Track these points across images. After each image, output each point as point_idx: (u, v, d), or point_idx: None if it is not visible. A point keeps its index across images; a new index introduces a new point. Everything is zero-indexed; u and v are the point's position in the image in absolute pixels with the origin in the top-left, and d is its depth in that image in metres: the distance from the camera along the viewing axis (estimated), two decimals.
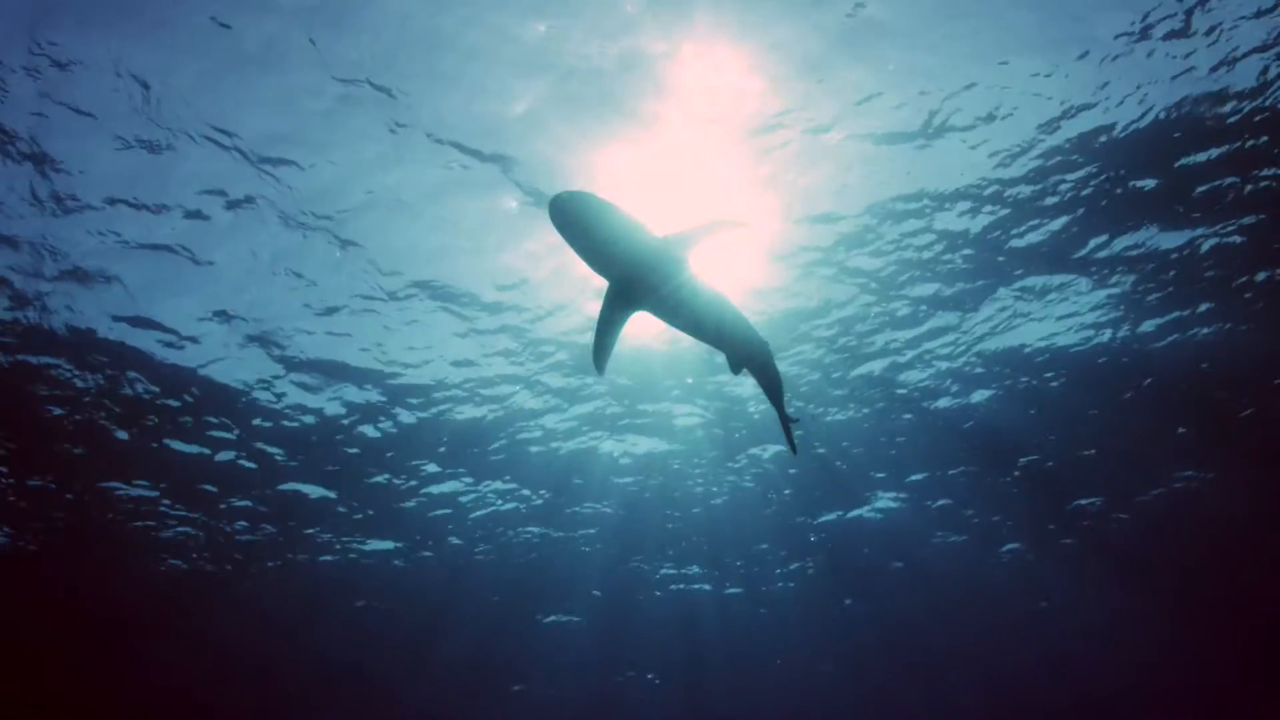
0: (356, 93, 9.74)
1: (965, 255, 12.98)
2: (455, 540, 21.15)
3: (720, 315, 6.42)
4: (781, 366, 15.03)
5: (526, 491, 19.24)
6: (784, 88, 10.04)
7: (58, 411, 14.71)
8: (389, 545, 21.13)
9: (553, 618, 27.70)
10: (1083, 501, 21.20)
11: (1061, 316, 14.46)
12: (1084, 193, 11.91)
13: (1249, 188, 11.84)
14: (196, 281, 12.19)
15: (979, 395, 16.50)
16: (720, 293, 6.36)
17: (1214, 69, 10.04)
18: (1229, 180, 11.75)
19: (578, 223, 5.41)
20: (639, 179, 10.93)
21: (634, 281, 5.84)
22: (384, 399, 15.29)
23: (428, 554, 21.72)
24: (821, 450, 18.35)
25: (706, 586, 25.97)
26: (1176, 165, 11.48)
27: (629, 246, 5.58)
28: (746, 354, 6.87)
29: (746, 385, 15.57)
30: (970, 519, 21.96)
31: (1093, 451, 18.57)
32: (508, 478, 18.54)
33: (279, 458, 16.77)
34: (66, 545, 19.18)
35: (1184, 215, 12.38)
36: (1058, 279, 13.60)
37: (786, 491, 20.29)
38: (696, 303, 6.22)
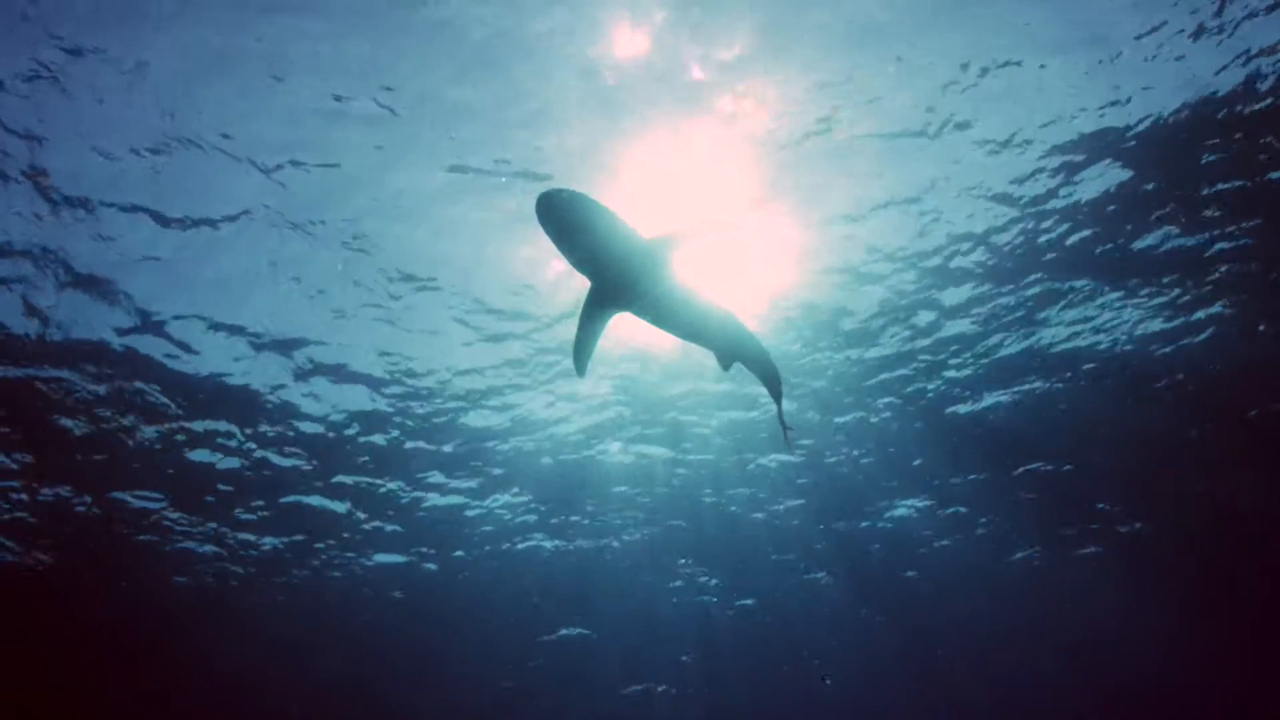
0: (360, 102, 9.72)
1: (977, 260, 12.89)
2: (462, 553, 21.02)
3: (713, 319, 6.34)
4: (791, 374, 14.92)
5: (536, 503, 19.13)
6: (788, 89, 9.97)
7: (64, 424, 14.68)
8: (396, 559, 21.01)
9: (563, 631, 27.52)
10: (1099, 506, 21.00)
11: (1075, 321, 14.35)
12: (1095, 195, 11.80)
13: (1262, 189, 11.72)
14: (204, 290, 12.16)
15: (993, 400, 16.36)
16: (709, 295, 6.27)
17: (1224, 69, 9.94)
18: (1242, 181, 11.64)
19: (565, 222, 5.31)
20: (643, 182, 10.87)
21: (620, 283, 5.76)
22: (390, 408, 15.22)
23: (433, 566, 21.59)
24: (833, 459, 18.20)
25: (716, 599, 25.79)
26: (1189, 166, 11.38)
27: (616, 248, 5.49)
28: (741, 355, 6.79)
29: (757, 394, 15.45)
30: (985, 526, 21.76)
31: (1109, 455, 18.38)
32: (516, 490, 18.43)
33: (285, 467, 16.70)
34: (78, 559, 19.13)
35: (1198, 216, 12.27)
36: (1070, 282, 13.49)
37: (798, 501, 20.13)
38: (686, 305, 6.14)
